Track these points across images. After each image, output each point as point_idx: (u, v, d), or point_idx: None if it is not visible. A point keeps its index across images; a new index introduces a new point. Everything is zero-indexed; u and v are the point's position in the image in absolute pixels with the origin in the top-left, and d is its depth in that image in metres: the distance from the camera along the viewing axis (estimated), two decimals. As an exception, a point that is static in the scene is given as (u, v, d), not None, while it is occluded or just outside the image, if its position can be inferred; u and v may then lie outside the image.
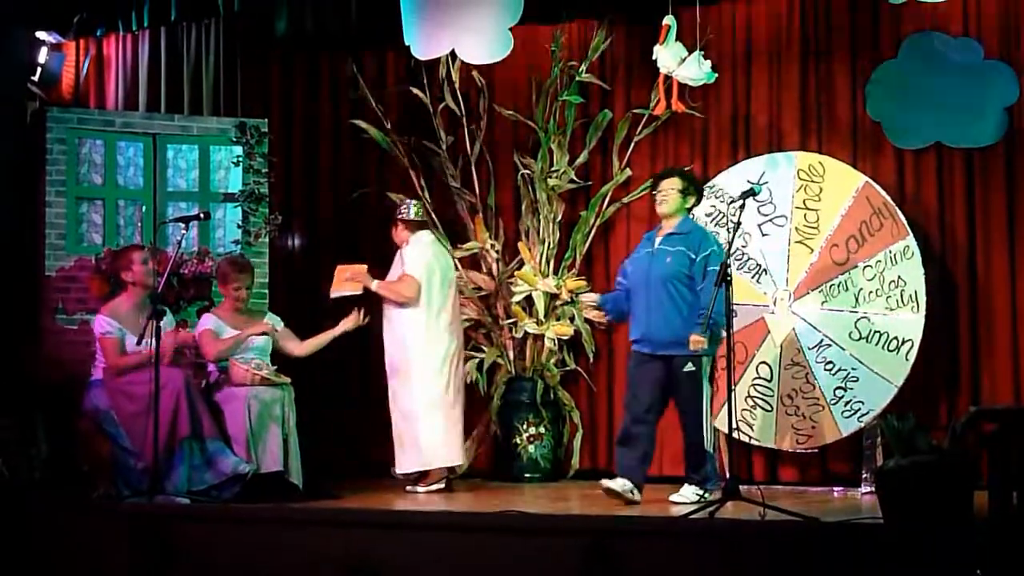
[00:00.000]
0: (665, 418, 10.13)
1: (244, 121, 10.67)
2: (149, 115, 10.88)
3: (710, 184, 10.28)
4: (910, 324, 9.56)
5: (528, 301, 10.95)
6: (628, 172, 10.84)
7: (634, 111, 10.77)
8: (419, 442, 9.87)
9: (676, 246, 9.03)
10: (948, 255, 9.99)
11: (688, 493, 8.94)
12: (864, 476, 9.54)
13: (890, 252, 9.67)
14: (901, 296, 9.62)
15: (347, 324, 9.83)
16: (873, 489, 8.26)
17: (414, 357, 9.92)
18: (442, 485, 9.87)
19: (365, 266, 10.01)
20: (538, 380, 10.81)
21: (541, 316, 10.88)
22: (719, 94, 10.57)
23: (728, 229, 9.36)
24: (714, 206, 10.18)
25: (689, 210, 9.23)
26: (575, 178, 10.96)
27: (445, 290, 10.03)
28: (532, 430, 10.78)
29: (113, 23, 11.42)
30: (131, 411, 9.12)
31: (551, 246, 10.97)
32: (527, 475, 10.76)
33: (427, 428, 9.85)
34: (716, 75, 9.77)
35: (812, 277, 9.88)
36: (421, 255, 10.01)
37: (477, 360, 10.97)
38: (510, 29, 9.89)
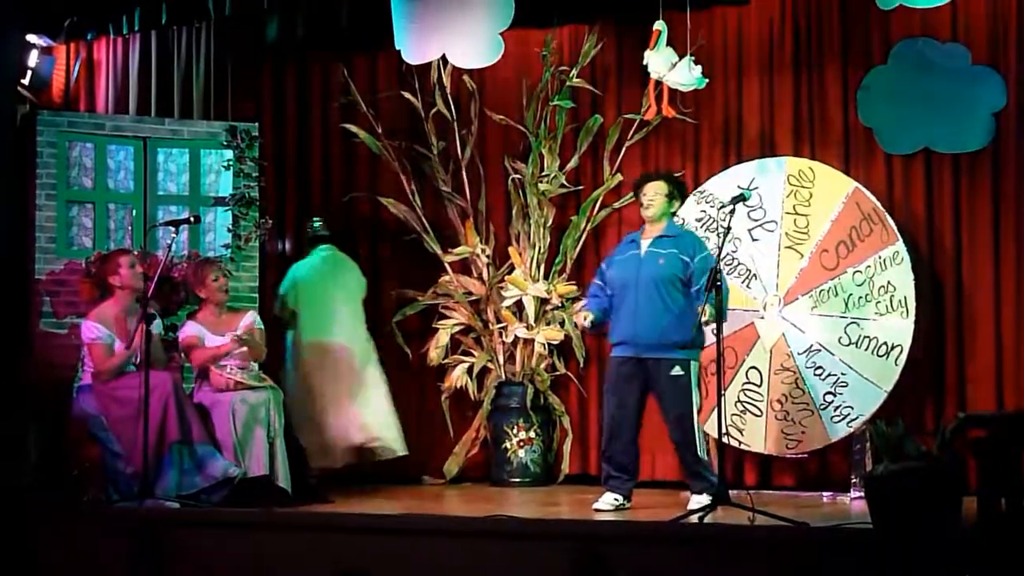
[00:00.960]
0: (660, 422, 10.17)
1: (235, 125, 10.66)
2: (139, 119, 10.87)
3: (700, 189, 10.30)
4: (899, 329, 9.57)
5: (518, 306, 10.96)
6: (619, 177, 10.85)
7: (625, 116, 10.77)
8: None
9: (668, 248, 9.02)
10: (935, 260, 10.00)
11: (702, 500, 8.73)
12: (854, 481, 9.56)
13: (880, 257, 9.69)
14: (891, 301, 9.63)
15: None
16: (862, 494, 8.29)
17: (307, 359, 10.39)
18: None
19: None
20: (528, 385, 10.81)
21: (531, 321, 10.89)
22: (711, 100, 10.58)
23: (718, 234, 9.36)
24: (704, 211, 10.20)
25: (674, 213, 9.24)
26: (566, 183, 10.97)
27: (329, 304, 10.42)
28: (522, 435, 10.78)
29: (104, 26, 11.42)
30: (120, 415, 9.11)
31: (542, 251, 10.98)
32: (517, 480, 10.76)
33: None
34: (707, 80, 9.78)
35: (802, 282, 9.89)
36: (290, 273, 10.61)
37: (467, 365, 10.98)
38: (501, 34, 9.89)
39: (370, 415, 10.43)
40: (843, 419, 9.64)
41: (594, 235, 10.99)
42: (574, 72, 10.89)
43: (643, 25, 9.86)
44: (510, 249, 11.03)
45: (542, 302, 10.92)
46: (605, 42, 10.90)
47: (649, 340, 8.82)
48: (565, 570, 6.79)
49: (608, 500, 8.95)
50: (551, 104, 10.88)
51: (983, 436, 7.00)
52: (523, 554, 7.07)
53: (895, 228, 9.68)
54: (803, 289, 9.87)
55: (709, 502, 8.48)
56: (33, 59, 11.10)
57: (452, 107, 11.08)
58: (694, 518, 7.86)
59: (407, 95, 11.10)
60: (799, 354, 9.80)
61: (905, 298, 9.58)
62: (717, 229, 9.80)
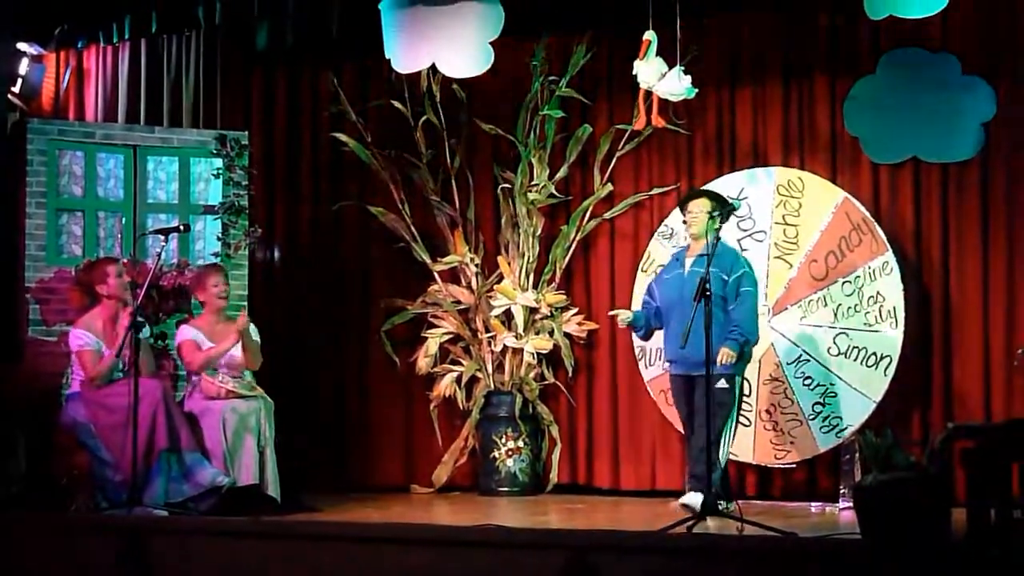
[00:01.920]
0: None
1: (224, 133, 10.65)
2: (129, 127, 10.87)
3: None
4: (889, 340, 9.58)
5: (507, 315, 10.95)
6: (609, 187, 10.85)
7: (616, 126, 10.77)
8: None
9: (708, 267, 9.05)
10: (923, 270, 10.00)
11: (694, 499, 8.75)
12: (842, 491, 9.56)
13: (869, 268, 9.70)
14: (880, 312, 9.64)
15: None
16: (851, 505, 8.29)
17: None
18: None
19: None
20: (517, 394, 10.81)
21: (520, 330, 10.88)
22: (703, 110, 10.58)
23: (707, 244, 9.38)
24: (694, 221, 10.21)
25: (718, 230, 9.15)
26: (555, 192, 10.97)
27: None
28: (511, 444, 10.78)
29: (94, 35, 11.45)
30: (109, 423, 9.11)
31: (531, 260, 10.98)
32: (505, 489, 10.75)
33: None
34: (696, 90, 9.78)
35: (791, 292, 9.90)
36: None
37: (456, 374, 10.97)
38: (491, 43, 9.89)
39: None
40: (832, 429, 9.65)
41: (584, 245, 10.99)
42: (564, 82, 10.89)
43: (633, 35, 9.86)
44: (499, 258, 11.03)
45: (531, 311, 10.92)
46: (595, 52, 10.90)
47: (696, 358, 8.75)
48: (554, 580, 6.78)
49: (690, 498, 8.90)
50: (541, 113, 10.89)
51: (972, 447, 6.98)
52: (511, 563, 7.06)
53: (885, 238, 9.69)
54: (792, 299, 9.88)
55: (699, 505, 8.50)
56: (23, 67, 11.12)
57: (441, 116, 11.08)
58: (683, 527, 7.85)
59: (396, 104, 11.09)
60: (788, 364, 9.81)
61: (894, 308, 9.60)
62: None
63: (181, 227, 9.68)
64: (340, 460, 11.31)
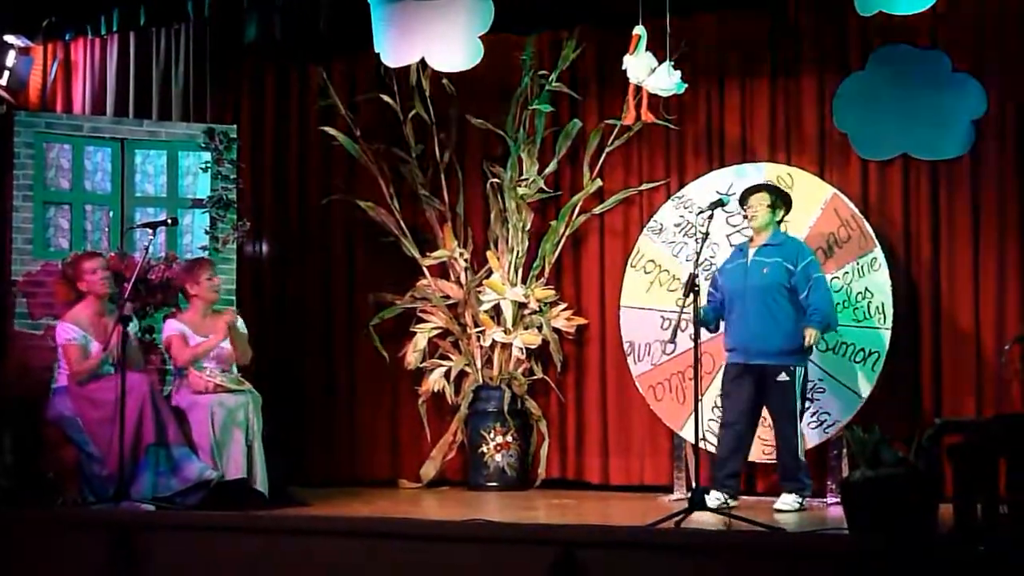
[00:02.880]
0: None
1: (213, 127, 10.64)
2: (117, 120, 10.85)
3: (679, 194, 10.32)
4: (877, 336, 9.59)
5: (496, 310, 10.95)
6: (599, 182, 10.84)
7: (606, 122, 10.77)
8: None
9: (772, 257, 9.28)
10: (913, 266, 10.01)
11: (789, 501, 9.16)
12: (830, 487, 9.58)
13: (857, 264, 9.70)
14: (868, 308, 9.64)
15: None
16: (839, 500, 8.30)
17: None
18: None
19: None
20: (506, 389, 10.80)
21: (509, 325, 10.88)
22: (692, 105, 10.58)
23: (696, 239, 9.38)
24: (683, 216, 10.21)
25: (779, 222, 9.43)
26: (545, 187, 10.96)
27: None
28: (499, 439, 10.77)
29: (82, 27, 11.40)
30: (96, 417, 9.09)
31: (520, 255, 10.97)
32: (494, 484, 10.75)
33: None
34: (686, 86, 9.77)
35: (780, 288, 9.89)
36: None
37: (445, 368, 10.97)
38: (480, 38, 9.88)
39: None
40: (820, 425, 9.65)
41: (573, 240, 10.99)
42: (553, 76, 10.88)
43: (623, 30, 9.85)
44: (488, 253, 11.02)
45: (520, 306, 10.91)
46: (585, 47, 10.90)
47: (758, 347, 9.06)
48: (542, 575, 6.77)
49: (714, 497, 9.08)
50: (530, 108, 10.88)
51: (959, 442, 7.01)
52: (499, 558, 7.05)
53: (873, 234, 9.69)
54: (781, 295, 9.87)
55: (800, 504, 9.05)
56: (10, 59, 11.08)
57: (431, 110, 11.07)
58: (671, 523, 7.85)
59: (386, 98, 11.07)
60: (776, 360, 9.79)
61: (883, 304, 9.60)
62: (696, 234, 9.83)
63: (169, 221, 9.67)
64: (328, 455, 11.29)
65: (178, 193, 10.57)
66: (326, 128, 11.25)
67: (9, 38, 11.06)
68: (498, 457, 10.77)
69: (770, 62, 10.48)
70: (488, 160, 11.11)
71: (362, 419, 11.38)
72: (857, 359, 9.62)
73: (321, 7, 10.89)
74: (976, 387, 9.75)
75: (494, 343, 10.91)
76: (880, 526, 6.80)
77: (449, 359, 11.04)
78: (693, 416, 8.46)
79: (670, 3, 9.48)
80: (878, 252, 9.66)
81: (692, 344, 8.51)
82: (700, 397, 8.39)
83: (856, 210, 9.78)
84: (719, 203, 9.06)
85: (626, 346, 10.37)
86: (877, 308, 9.62)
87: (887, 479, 6.86)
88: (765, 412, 9.42)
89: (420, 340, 11.03)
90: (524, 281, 10.95)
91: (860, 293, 9.67)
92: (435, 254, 11.09)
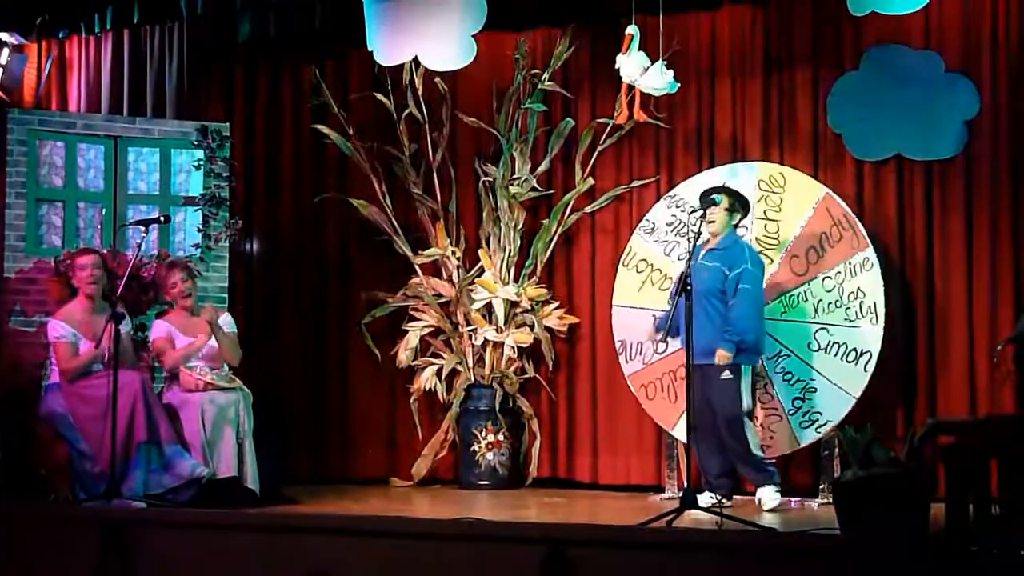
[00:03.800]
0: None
1: (206, 125, 10.64)
2: (110, 118, 10.84)
3: (671, 194, 10.32)
4: (869, 335, 9.59)
5: (488, 308, 10.95)
6: (591, 181, 10.85)
7: (598, 120, 10.77)
8: None
9: (714, 261, 9.32)
10: (906, 266, 10.02)
11: (768, 495, 9.22)
12: (821, 487, 9.58)
13: (850, 263, 9.70)
14: (860, 307, 9.65)
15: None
16: (830, 500, 8.30)
17: None
18: None
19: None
20: (497, 387, 10.81)
21: (501, 323, 10.88)
22: (684, 105, 10.59)
23: (688, 239, 9.39)
24: (675, 215, 10.21)
25: (735, 225, 9.47)
26: (537, 186, 10.96)
27: None
28: (491, 437, 10.77)
29: (75, 25, 11.39)
30: (88, 415, 9.09)
31: (512, 253, 10.97)
32: (485, 482, 10.74)
33: None
34: (678, 85, 9.79)
35: (771, 287, 9.90)
36: None
37: (437, 367, 10.97)
38: (473, 36, 9.89)
39: None
40: (812, 424, 9.66)
41: (565, 239, 10.99)
42: (546, 75, 10.89)
43: (616, 29, 9.86)
44: (480, 252, 11.02)
45: (512, 305, 10.91)
46: (578, 46, 10.90)
47: (701, 347, 9.00)
48: (533, 573, 6.78)
49: (704, 498, 9.08)
50: (523, 107, 10.88)
51: (952, 442, 7.00)
52: (491, 557, 7.06)
53: (865, 234, 9.69)
54: (772, 294, 9.87)
55: (777, 492, 9.15)
56: (4, 57, 11.07)
57: (424, 109, 11.07)
58: (662, 522, 7.85)
59: (379, 97, 11.08)
60: (768, 359, 9.80)
61: (875, 304, 9.60)
62: (687, 233, 9.83)
63: (161, 218, 9.66)
64: (320, 453, 11.29)
65: (171, 191, 10.57)
66: (319, 126, 11.24)
67: (3, 35, 11.05)
68: (489, 455, 10.77)
69: (763, 61, 10.48)
70: (480, 159, 11.12)
71: (354, 417, 11.37)
72: (849, 359, 9.62)
73: (314, 5, 10.89)
74: (968, 387, 9.75)
75: (486, 341, 10.91)
76: (872, 526, 6.80)
77: (441, 357, 11.04)
78: (685, 415, 8.46)
79: (663, 2, 9.49)
80: (870, 252, 9.66)
81: (683, 344, 8.52)
82: (691, 395, 8.39)
83: (848, 210, 9.78)
84: (712, 202, 9.09)
85: (618, 345, 10.37)
86: (869, 308, 9.62)
87: (879, 479, 6.86)
88: (756, 410, 9.42)
89: (412, 338, 11.03)
90: (516, 280, 10.96)
91: (852, 293, 9.67)
92: (427, 252, 11.09)
